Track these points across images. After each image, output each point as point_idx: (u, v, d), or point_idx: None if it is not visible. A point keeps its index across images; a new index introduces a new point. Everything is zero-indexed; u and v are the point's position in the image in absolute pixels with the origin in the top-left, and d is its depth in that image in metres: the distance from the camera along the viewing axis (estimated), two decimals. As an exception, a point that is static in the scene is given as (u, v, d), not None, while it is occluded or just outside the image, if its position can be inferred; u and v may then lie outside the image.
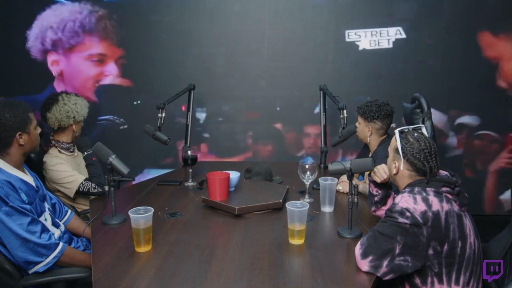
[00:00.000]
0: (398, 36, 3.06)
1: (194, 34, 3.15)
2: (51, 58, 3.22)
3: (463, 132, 3.19)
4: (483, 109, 3.16)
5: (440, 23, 3.05)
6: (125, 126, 3.29)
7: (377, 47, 3.08)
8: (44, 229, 1.65)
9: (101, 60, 3.21)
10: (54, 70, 3.23)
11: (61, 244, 1.66)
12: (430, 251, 1.37)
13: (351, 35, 3.07)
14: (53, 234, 1.84)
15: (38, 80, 3.23)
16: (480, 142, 3.18)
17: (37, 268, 1.61)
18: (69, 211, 2.06)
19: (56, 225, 1.90)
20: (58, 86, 3.23)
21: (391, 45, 3.08)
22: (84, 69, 3.22)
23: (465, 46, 3.07)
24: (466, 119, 3.17)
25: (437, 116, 3.10)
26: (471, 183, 3.21)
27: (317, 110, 3.15)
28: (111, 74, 3.23)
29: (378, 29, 3.06)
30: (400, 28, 3.04)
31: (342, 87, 2.99)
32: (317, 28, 3.12)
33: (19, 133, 1.72)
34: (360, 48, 3.09)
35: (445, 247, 1.37)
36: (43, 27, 3.18)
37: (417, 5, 3.04)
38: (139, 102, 3.27)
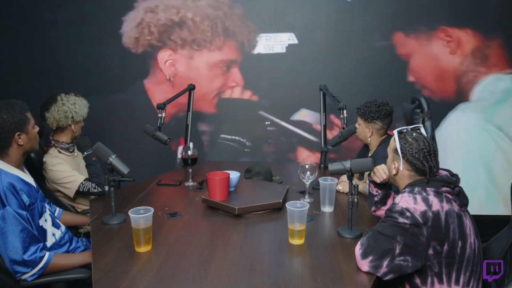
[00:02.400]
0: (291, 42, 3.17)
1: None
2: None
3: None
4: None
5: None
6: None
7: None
8: (33, 240, 1.62)
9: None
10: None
11: (47, 255, 1.64)
12: (430, 251, 1.37)
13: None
14: (54, 234, 1.85)
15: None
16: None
17: (24, 277, 1.60)
18: (57, 208, 2.06)
19: (57, 226, 1.90)
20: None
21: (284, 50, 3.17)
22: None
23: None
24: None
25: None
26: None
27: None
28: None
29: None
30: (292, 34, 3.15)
31: (342, 87, 3.00)
32: (318, 28, 3.11)
33: (17, 133, 1.72)
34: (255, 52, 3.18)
35: (445, 247, 1.37)
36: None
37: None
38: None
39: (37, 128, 1.83)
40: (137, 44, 3.21)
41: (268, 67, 3.19)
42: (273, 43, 3.16)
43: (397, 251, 1.36)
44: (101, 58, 3.28)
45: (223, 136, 3.31)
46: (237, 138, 3.30)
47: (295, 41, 3.14)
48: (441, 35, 3.05)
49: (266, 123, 3.27)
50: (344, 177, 2.21)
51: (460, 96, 3.11)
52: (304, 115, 3.13)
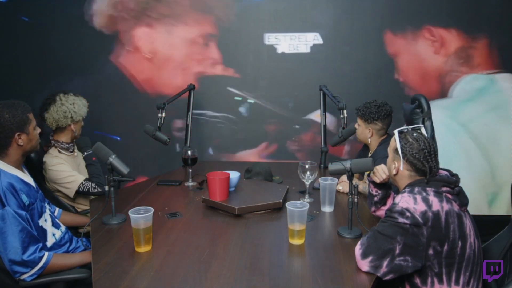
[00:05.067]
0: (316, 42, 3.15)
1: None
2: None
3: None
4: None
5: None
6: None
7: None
8: (32, 241, 1.62)
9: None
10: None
11: (46, 255, 1.64)
12: (430, 251, 1.37)
13: (271, 38, 3.16)
14: (54, 234, 1.85)
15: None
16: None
17: (23, 277, 1.60)
18: (57, 208, 2.06)
19: (57, 226, 1.90)
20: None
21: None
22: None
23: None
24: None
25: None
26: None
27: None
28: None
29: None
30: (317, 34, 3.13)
31: (342, 87, 3.00)
32: (317, 28, 3.11)
33: (18, 133, 1.72)
34: (279, 51, 3.16)
35: (445, 247, 1.37)
36: None
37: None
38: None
39: (38, 130, 1.83)
40: (110, 22, 3.14)
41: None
42: (274, 41, 3.16)
43: (397, 251, 1.36)
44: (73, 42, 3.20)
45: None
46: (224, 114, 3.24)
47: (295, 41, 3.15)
48: (426, 35, 3.08)
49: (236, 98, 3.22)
50: (344, 177, 2.21)
51: (443, 95, 3.14)
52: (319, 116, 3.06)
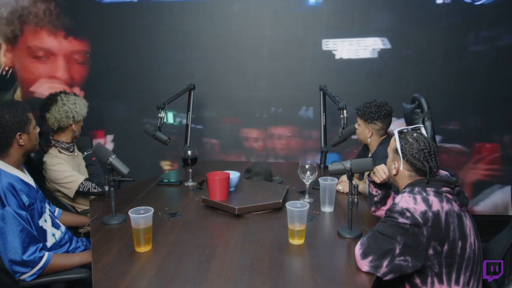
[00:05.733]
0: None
1: (194, 34, 3.15)
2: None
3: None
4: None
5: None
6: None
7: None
8: (32, 241, 1.62)
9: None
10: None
11: (46, 255, 1.64)
12: (430, 251, 1.37)
13: (329, 44, 3.12)
14: (54, 234, 1.85)
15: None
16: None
17: (23, 277, 1.60)
18: (57, 209, 2.06)
19: (57, 226, 1.90)
20: None
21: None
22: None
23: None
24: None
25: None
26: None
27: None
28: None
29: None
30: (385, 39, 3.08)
31: (342, 87, 3.00)
32: (317, 28, 3.11)
33: (19, 133, 1.72)
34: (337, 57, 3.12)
35: (445, 247, 1.37)
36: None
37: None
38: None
39: (38, 129, 1.83)
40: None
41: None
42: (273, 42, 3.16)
43: (397, 251, 1.36)
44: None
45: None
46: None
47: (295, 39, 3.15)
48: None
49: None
50: (344, 177, 2.21)
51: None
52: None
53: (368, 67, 3.12)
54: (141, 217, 1.52)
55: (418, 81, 3.10)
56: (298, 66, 3.16)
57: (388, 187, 1.75)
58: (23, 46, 3.16)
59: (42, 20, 3.13)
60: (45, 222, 1.82)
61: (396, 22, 3.06)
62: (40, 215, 1.79)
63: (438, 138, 3.09)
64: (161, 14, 3.13)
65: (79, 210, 2.30)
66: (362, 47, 3.10)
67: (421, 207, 1.36)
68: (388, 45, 3.09)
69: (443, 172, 1.54)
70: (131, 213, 1.53)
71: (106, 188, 1.79)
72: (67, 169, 2.21)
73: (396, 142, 1.52)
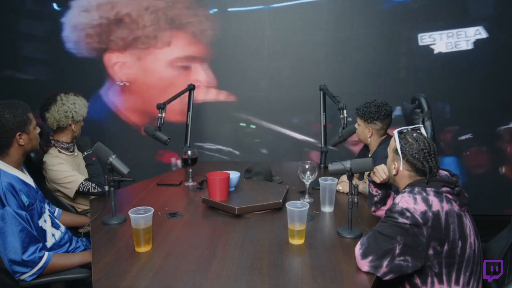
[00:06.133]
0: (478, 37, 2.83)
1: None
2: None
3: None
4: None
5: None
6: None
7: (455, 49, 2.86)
8: (32, 241, 1.62)
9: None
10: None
11: (46, 255, 1.64)
12: (430, 251, 1.37)
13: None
14: (53, 235, 1.85)
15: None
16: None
17: (23, 277, 1.60)
18: (57, 209, 2.06)
19: (56, 226, 1.90)
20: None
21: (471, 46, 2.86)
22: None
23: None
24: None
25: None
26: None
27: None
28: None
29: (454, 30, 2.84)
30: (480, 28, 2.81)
31: (342, 87, 2.99)
32: (317, 28, 3.11)
33: (19, 133, 1.72)
34: (436, 51, 2.90)
35: (445, 247, 1.37)
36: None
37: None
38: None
39: (38, 129, 1.83)
40: (79, 48, 3.03)
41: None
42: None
43: (397, 251, 1.36)
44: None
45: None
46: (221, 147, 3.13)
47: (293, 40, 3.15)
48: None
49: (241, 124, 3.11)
50: (344, 177, 2.21)
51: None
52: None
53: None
54: (141, 217, 1.52)
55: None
56: (298, 66, 3.16)
57: (388, 187, 1.75)
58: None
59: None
60: (45, 222, 1.82)
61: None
62: (40, 215, 1.79)
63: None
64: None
65: (79, 210, 2.30)
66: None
67: (421, 207, 1.36)
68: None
69: (443, 172, 1.54)
70: (131, 213, 1.53)
71: (106, 188, 1.79)
72: (67, 169, 2.21)
73: (396, 142, 1.52)
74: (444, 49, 2.90)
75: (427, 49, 2.96)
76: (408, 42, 3.00)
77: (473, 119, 3.07)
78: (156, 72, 3.09)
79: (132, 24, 3.02)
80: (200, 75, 3.05)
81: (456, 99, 3.04)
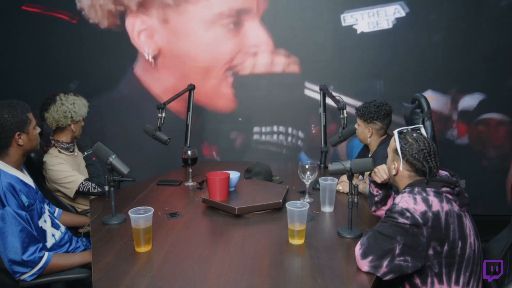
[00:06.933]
0: (397, 15, 2.78)
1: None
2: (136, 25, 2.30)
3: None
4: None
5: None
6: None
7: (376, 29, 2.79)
8: (32, 241, 1.62)
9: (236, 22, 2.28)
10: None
11: (46, 255, 1.64)
12: (430, 251, 1.37)
13: (347, 18, 2.76)
14: (53, 235, 1.85)
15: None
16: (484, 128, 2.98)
17: (23, 277, 1.60)
18: (57, 209, 2.06)
19: (56, 227, 1.90)
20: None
21: (390, 25, 2.82)
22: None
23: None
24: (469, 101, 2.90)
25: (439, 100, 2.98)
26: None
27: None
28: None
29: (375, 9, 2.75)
30: (398, 6, 2.74)
31: (342, 87, 3.00)
32: (317, 28, 3.11)
33: (18, 133, 1.72)
34: (359, 31, 2.84)
35: (445, 247, 1.37)
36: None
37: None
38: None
39: (38, 129, 1.82)
40: (96, 14, 2.46)
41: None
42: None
43: (397, 251, 1.36)
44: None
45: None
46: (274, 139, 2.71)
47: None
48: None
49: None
50: (344, 177, 2.21)
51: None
52: (430, 98, 2.68)
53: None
54: (141, 217, 1.52)
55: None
56: (298, 66, 3.16)
57: (389, 187, 1.75)
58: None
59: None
60: (45, 223, 1.82)
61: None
62: (40, 215, 1.79)
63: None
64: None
65: (79, 210, 2.30)
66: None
67: (421, 207, 1.36)
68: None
69: (443, 172, 1.54)
70: (131, 213, 1.53)
71: (106, 188, 1.79)
72: (67, 169, 2.21)
73: (396, 142, 1.52)
74: (366, 29, 2.78)
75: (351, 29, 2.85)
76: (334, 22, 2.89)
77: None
78: (195, 38, 2.41)
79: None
80: (257, 35, 2.39)
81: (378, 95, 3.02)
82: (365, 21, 2.74)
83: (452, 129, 3.12)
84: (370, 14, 2.72)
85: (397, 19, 2.87)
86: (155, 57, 2.55)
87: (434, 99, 2.96)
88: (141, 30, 2.45)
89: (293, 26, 3.06)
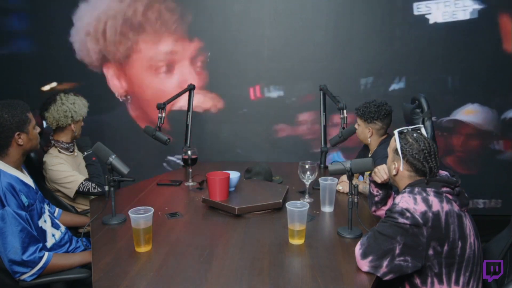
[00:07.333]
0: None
1: (193, 33, 3.16)
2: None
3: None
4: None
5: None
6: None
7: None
8: (32, 241, 1.62)
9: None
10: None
11: (46, 255, 1.64)
12: (430, 252, 1.37)
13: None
14: (53, 235, 1.85)
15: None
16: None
17: (23, 277, 1.59)
18: (57, 209, 2.06)
19: (56, 227, 1.90)
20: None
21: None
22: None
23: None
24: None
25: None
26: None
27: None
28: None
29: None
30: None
31: (342, 87, 2.99)
32: (317, 28, 3.11)
33: (17, 133, 1.72)
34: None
35: (445, 247, 1.37)
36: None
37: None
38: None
39: (38, 129, 1.82)
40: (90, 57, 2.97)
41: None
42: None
43: (397, 251, 1.36)
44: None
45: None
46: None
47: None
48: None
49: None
50: (344, 177, 2.21)
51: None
52: (471, 112, 2.64)
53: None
54: (141, 217, 1.52)
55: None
56: (298, 66, 3.16)
57: (389, 187, 1.75)
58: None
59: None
60: (45, 223, 1.82)
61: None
62: (40, 215, 1.79)
63: None
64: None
65: (79, 210, 2.30)
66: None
67: (421, 207, 1.36)
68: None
69: (443, 172, 1.54)
70: (131, 213, 1.53)
71: (106, 188, 1.79)
72: (67, 169, 2.21)
73: (396, 142, 1.52)
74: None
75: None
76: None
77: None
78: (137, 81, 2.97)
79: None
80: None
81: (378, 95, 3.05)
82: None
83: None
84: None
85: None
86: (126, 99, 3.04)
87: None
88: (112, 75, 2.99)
89: (293, 26, 3.06)
